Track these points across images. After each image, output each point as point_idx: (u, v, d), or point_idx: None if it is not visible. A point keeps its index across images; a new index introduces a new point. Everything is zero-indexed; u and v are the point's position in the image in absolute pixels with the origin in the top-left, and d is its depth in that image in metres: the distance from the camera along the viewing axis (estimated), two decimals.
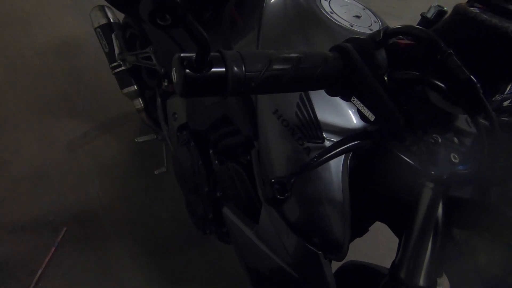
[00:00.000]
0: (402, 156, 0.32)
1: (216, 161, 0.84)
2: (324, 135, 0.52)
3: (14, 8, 2.11)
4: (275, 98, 0.56)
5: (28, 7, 2.11)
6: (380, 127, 0.30)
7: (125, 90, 1.25)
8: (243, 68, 0.28)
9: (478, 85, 0.29)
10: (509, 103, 0.44)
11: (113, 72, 1.24)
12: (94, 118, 1.64)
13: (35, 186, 1.35)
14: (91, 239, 1.23)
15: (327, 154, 0.31)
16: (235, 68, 0.27)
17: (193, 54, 0.27)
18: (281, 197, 0.27)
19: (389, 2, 2.13)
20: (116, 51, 1.20)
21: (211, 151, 0.86)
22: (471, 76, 0.29)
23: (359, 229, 0.68)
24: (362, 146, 0.32)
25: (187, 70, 0.26)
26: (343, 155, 0.52)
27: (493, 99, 0.33)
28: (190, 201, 0.97)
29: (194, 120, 0.93)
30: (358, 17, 0.62)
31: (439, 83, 0.30)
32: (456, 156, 0.35)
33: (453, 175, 0.38)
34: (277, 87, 0.30)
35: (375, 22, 0.63)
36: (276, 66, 0.29)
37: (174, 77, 0.27)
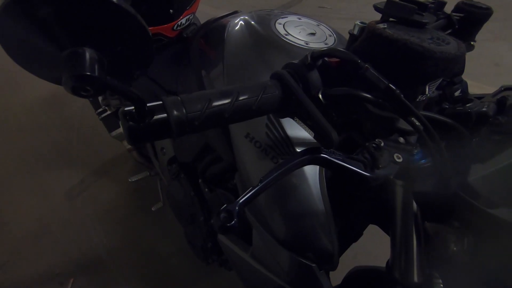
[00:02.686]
0: (347, 166, 0.34)
1: (206, 189, 0.86)
2: (296, 149, 0.54)
3: (0, 70, 2.17)
4: (245, 122, 0.58)
5: (13, 67, 2.18)
6: (319, 143, 0.32)
7: (113, 133, 1.28)
8: (184, 111, 0.30)
9: (398, 91, 0.32)
10: (459, 93, 0.46)
11: (100, 117, 1.28)
12: (88, 164, 1.66)
13: (37, 242, 1.35)
14: (99, 287, 1.23)
15: (272, 175, 0.33)
16: (176, 112, 0.30)
17: (133, 107, 0.29)
18: (229, 224, 0.29)
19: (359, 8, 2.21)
20: (99, 97, 1.24)
21: (200, 181, 0.88)
22: (390, 85, 0.32)
23: (353, 234, 0.69)
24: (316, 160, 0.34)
25: (131, 123, 0.29)
26: (317, 168, 0.53)
27: (418, 99, 0.35)
28: (189, 232, 0.97)
29: (180, 152, 0.95)
30: (313, 34, 0.66)
31: (367, 95, 0.33)
32: (400, 156, 0.37)
33: (416, 170, 0.40)
34: (222, 121, 0.32)
35: (330, 36, 0.67)
36: (216, 103, 0.31)
37: (122, 129, 0.30)
